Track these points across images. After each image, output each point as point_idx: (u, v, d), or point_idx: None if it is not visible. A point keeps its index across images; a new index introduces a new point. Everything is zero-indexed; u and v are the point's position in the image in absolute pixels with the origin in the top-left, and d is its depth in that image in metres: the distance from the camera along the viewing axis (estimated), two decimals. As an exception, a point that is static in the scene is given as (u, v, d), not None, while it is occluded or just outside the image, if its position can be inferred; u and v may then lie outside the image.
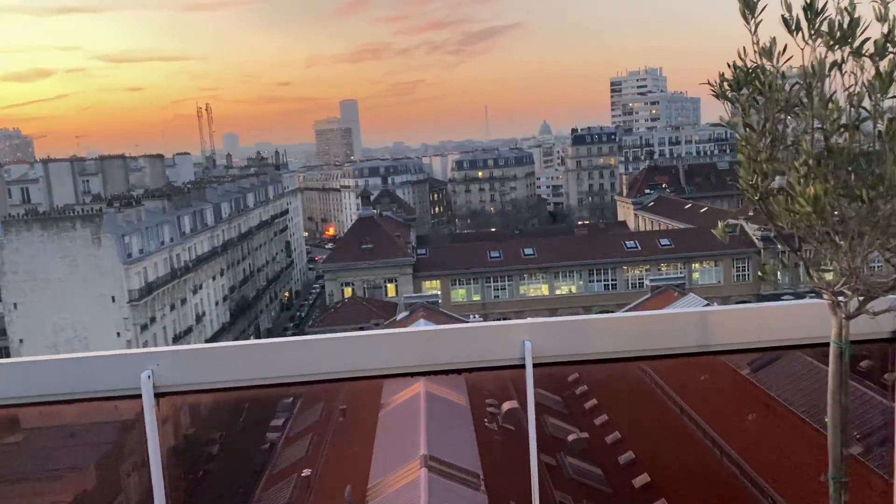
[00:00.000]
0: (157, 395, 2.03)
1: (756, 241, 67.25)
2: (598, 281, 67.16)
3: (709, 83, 2.07)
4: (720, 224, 2.54)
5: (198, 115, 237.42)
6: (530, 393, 2.16)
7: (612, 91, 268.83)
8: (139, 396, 2.01)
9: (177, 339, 66.22)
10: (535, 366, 2.10)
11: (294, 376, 2.21)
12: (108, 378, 2.05)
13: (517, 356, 2.11)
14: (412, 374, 2.24)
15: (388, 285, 66.91)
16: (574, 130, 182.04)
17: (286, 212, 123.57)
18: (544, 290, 67.58)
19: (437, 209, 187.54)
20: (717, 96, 2.08)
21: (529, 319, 2.12)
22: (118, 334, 57.20)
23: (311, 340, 2.28)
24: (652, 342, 2.28)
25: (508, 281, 67.28)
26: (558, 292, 67.53)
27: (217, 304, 79.93)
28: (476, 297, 67.13)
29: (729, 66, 2.10)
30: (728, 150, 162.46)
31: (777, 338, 2.43)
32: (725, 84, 2.11)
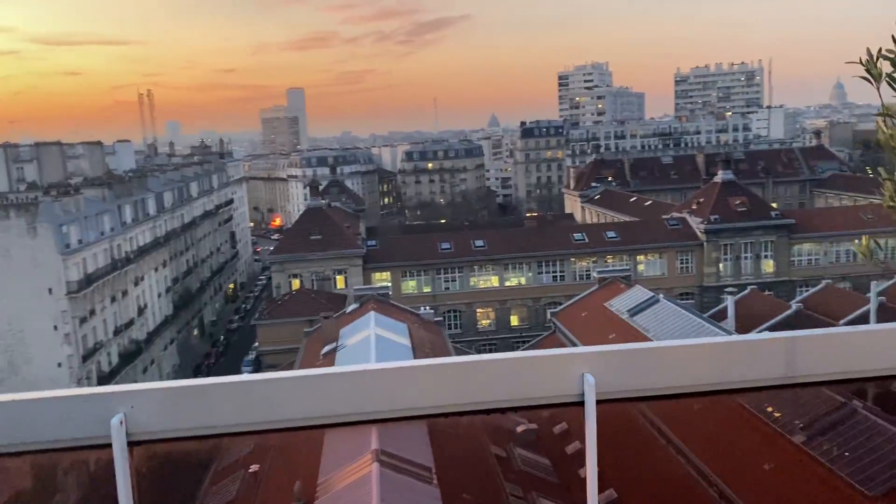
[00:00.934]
0: (132, 444, 1.67)
1: (699, 233, 68.79)
2: (546, 273, 67.74)
3: (860, 61, 1.76)
4: (864, 240, 2.25)
5: (139, 102, 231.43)
6: (591, 436, 1.80)
7: (560, 85, 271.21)
8: (108, 446, 1.64)
9: (117, 333, 64.35)
10: (598, 402, 1.80)
11: (315, 417, 1.80)
12: (67, 424, 1.64)
13: (575, 392, 1.81)
14: (447, 415, 1.85)
15: (338, 277, 66.20)
16: (523, 123, 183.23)
17: (231, 201, 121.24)
18: (494, 281, 67.87)
19: (386, 200, 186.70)
20: (870, 77, 1.75)
21: (587, 348, 1.82)
22: (55, 327, 55.23)
23: (342, 374, 1.84)
24: (734, 373, 1.94)
25: (459, 272, 67.33)
26: (508, 284, 67.92)
27: (160, 296, 77.97)
28: (426, 289, 67.00)
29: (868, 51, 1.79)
30: (671, 145, 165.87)
31: (883, 366, 2.02)
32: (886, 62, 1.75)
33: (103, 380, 59.69)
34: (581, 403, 1.79)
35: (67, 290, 55.31)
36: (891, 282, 50.10)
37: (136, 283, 70.77)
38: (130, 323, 67.83)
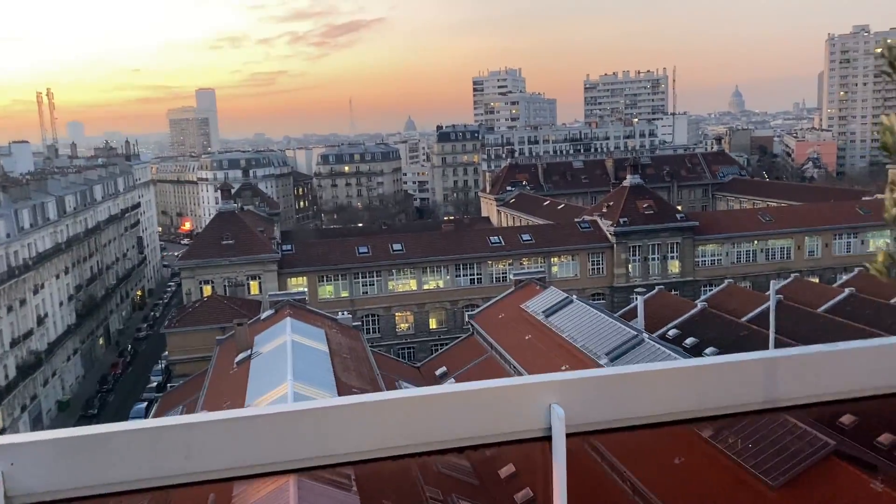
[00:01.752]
0: None
1: (609, 236, 70.88)
2: (464, 275, 68.31)
3: (882, 54, 1.73)
4: (881, 256, 2.04)
5: (37, 101, 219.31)
6: (560, 475, 1.59)
7: (475, 90, 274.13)
8: None
9: (14, 344, 60.81)
10: (568, 436, 1.60)
11: (228, 468, 1.54)
12: None
13: (542, 426, 1.60)
14: (396, 458, 1.60)
15: (251, 283, 64.71)
16: (439, 127, 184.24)
17: (138, 205, 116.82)
18: (412, 284, 67.88)
19: (302, 203, 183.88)
20: (892, 71, 1.72)
21: (553, 376, 1.61)
22: (-56, 340, 51.73)
23: (258, 417, 1.56)
24: (711, 399, 1.77)
25: (377, 276, 66.99)
26: (426, 287, 68.08)
27: (62, 304, 74.21)
28: (344, 294, 66.35)
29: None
30: (582, 150, 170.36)
31: (866, 386, 1.89)
32: None
33: (1, 394, 56.31)
34: (548, 438, 1.59)
35: (-42, 299, 51.91)
36: (787, 280, 53.06)
37: (36, 291, 67.12)
38: (29, 333, 64.26)
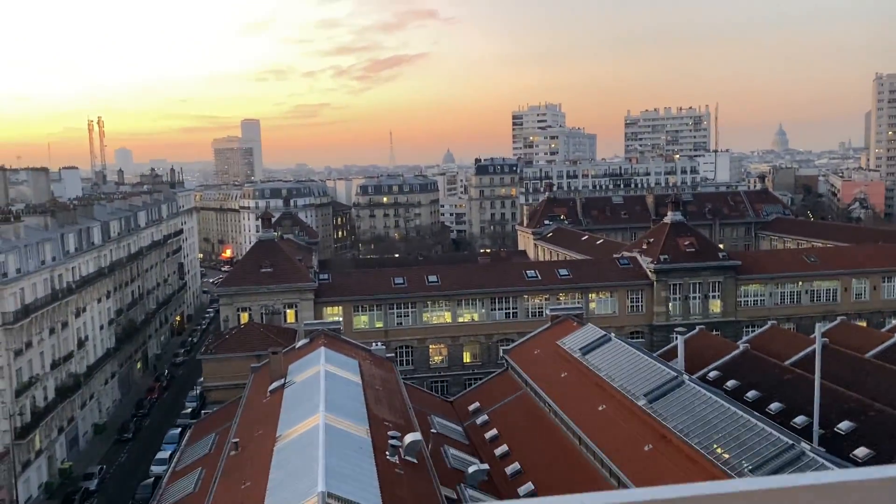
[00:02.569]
0: None
1: (649, 273, 69.74)
2: (499, 309, 67.65)
3: None
4: None
5: (89, 129, 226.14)
6: None
7: (514, 124, 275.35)
8: None
9: (55, 366, 61.75)
10: None
11: None
12: None
13: None
14: None
15: (288, 311, 64.97)
16: (477, 160, 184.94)
17: (180, 232, 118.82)
18: (447, 317, 67.43)
19: (340, 233, 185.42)
20: None
21: None
22: (-12, 360, 52.70)
23: None
24: None
25: (412, 308, 66.74)
26: (461, 320, 67.56)
27: (102, 328, 75.35)
28: (378, 324, 66.17)
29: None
30: (622, 185, 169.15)
31: None
32: None
33: (38, 416, 57.02)
34: None
35: (3, 320, 52.94)
36: (833, 323, 51.37)
37: (78, 315, 68.29)
38: (70, 356, 65.24)
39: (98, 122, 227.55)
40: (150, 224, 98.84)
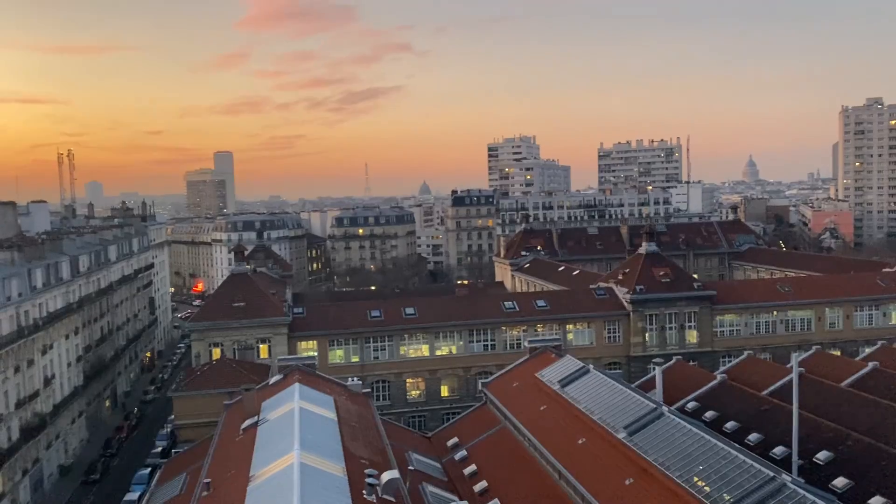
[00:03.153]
0: None
1: (626, 303, 69.73)
2: (477, 341, 67.05)
3: None
4: None
5: (58, 162, 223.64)
6: None
7: (490, 156, 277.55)
8: None
9: (19, 406, 59.81)
10: None
11: None
12: None
13: None
14: None
15: (261, 346, 63.80)
16: (454, 192, 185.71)
17: (151, 266, 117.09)
18: (424, 350, 66.65)
19: (315, 266, 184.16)
20: None
21: None
22: (-52, 400, 50.87)
23: None
24: None
25: (388, 341, 65.89)
26: (438, 353, 66.81)
27: (69, 365, 73.41)
28: (355, 359, 65.18)
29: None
30: (596, 216, 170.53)
31: None
32: None
33: (1, 457, 55.01)
34: None
35: (-35, 359, 51.26)
36: (808, 352, 51.55)
37: (44, 352, 66.48)
38: (35, 395, 63.30)
39: (68, 156, 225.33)
40: (121, 258, 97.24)
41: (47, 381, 66.67)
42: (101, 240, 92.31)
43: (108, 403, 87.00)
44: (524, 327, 67.49)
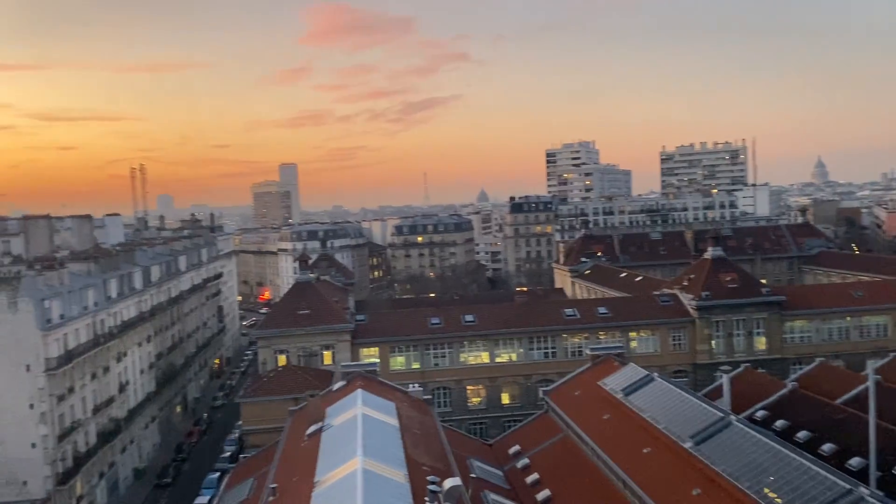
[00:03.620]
0: None
1: (691, 310, 68.28)
2: (538, 349, 66.69)
3: None
4: None
5: (131, 176, 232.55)
6: None
7: (548, 162, 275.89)
8: None
9: (97, 411, 62.33)
10: None
11: None
12: None
13: None
14: None
15: (325, 353, 64.91)
16: (512, 199, 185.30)
17: (220, 275, 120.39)
18: (484, 357, 66.64)
19: (376, 273, 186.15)
20: None
21: None
22: (31, 406, 53.31)
23: None
24: None
25: (448, 348, 66.17)
26: (498, 360, 66.70)
27: (142, 372, 76.14)
28: (416, 365, 65.69)
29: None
30: (659, 221, 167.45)
31: None
32: None
33: (79, 461, 57.40)
34: None
35: (46, 366, 53.74)
36: (886, 360, 49.45)
37: (119, 359, 69.13)
38: (111, 400, 65.88)
39: (140, 170, 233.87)
40: (191, 268, 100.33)
41: (122, 388, 69.26)
42: (171, 250, 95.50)
43: (178, 409, 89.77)
44: (585, 335, 66.79)
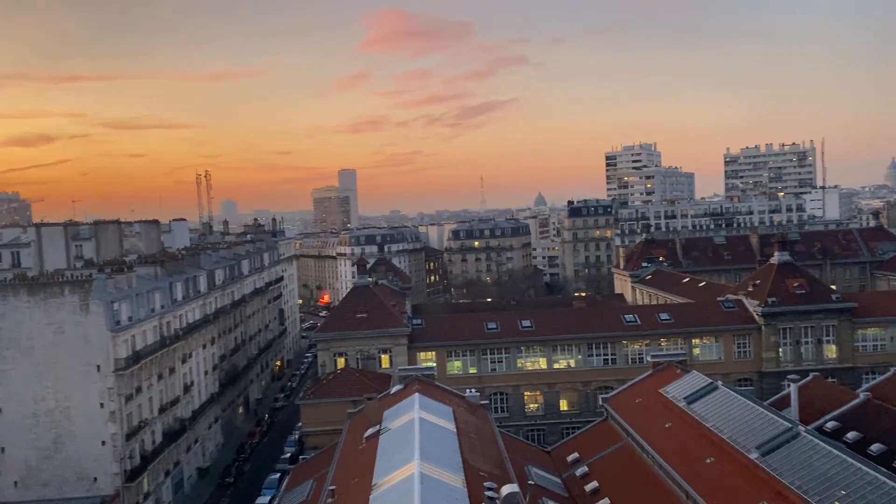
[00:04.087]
0: None
1: (757, 317, 66.25)
2: (597, 355, 65.69)
3: None
4: None
5: (197, 182, 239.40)
6: None
7: (608, 165, 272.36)
8: None
9: (163, 410, 64.13)
10: None
11: None
12: None
13: None
14: None
15: (383, 356, 65.34)
16: (570, 202, 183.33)
17: (281, 279, 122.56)
18: (542, 363, 66.02)
19: (433, 278, 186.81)
20: None
21: None
22: (101, 405, 55.23)
23: None
24: None
25: (506, 353, 65.78)
26: (556, 366, 65.97)
27: (206, 373, 78.02)
28: (472, 370, 65.51)
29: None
30: (723, 225, 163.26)
31: None
32: None
33: (146, 459, 59.14)
34: None
35: (115, 367, 55.57)
36: (967, 370, 46.91)
37: (184, 361, 70.98)
38: (176, 401, 67.68)
39: (205, 176, 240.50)
40: (253, 272, 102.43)
41: (187, 388, 71.09)
42: (234, 255, 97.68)
43: (241, 410, 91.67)
44: (646, 341, 65.49)
